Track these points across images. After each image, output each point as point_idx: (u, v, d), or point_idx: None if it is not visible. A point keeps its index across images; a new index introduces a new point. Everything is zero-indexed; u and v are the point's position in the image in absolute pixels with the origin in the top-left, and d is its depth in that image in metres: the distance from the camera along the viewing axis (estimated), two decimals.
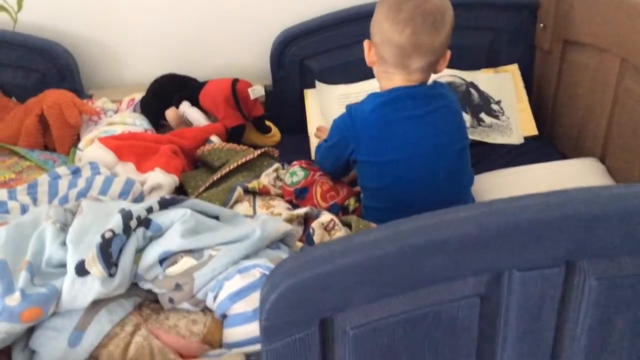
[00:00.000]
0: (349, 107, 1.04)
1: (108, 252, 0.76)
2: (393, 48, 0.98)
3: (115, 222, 0.78)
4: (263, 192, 1.14)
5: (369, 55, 1.04)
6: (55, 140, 1.34)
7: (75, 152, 1.31)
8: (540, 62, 1.49)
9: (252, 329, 0.75)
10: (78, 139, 1.35)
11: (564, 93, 1.41)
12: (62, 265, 0.77)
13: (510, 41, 1.49)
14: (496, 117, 1.43)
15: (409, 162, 0.98)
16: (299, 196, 1.08)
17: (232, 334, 0.77)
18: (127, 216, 0.79)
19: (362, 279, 0.66)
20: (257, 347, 0.72)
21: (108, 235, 0.76)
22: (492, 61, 1.51)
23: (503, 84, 1.48)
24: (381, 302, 0.68)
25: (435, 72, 1.04)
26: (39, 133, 1.34)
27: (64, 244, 0.78)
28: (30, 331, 0.78)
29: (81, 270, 0.74)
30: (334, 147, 1.07)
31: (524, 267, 0.67)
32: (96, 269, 0.74)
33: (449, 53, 1.02)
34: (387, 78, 1.02)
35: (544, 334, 0.71)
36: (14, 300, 0.72)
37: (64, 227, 0.81)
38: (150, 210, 0.83)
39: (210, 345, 0.79)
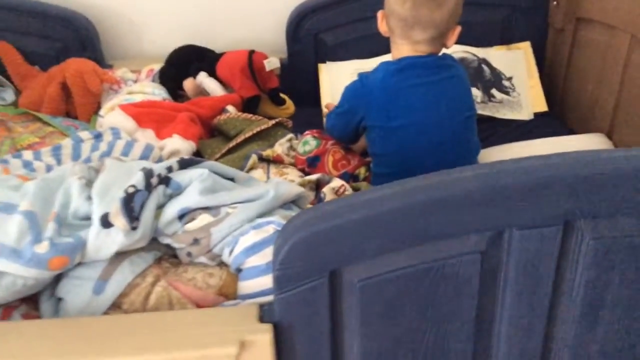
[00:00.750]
0: (361, 75, 1.07)
1: (130, 206, 0.80)
2: (396, 19, 1.02)
3: (138, 179, 0.82)
4: (277, 161, 1.18)
5: (382, 25, 1.07)
6: (77, 108, 1.39)
7: (97, 119, 1.36)
8: (552, 39, 1.51)
9: (265, 282, 0.79)
10: (98, 107, 1.40)
11: (575, 70, 1.43)
12: (87, 218, 0.82)
13: (524, 18, 1.51)
14: (507, 93, 1.45)
15: (417, 128, 1.02)
16: (311, 164, 1.12)
17: (247, 286, 0.81)
18: (148, 173, 0.83)
19: (369, 234, 0.70)
20: (269, 298, 0.76)
21: (131, 190, 0.81)
22: (505, 38, 1.53)
23: (515, 61, 1.50)
24: (387, 256, 0.72)
25: (445, 46, 1.06)
26: (61, 100, 1.39)
27: (89, 198, 0.82)
28: (56, 281, 0.83)
29: (105, 222, 0.79)
30: (345, 114, 1.10)
31: (523, 226, 0.70)
32: (119, 221, 0.79)
33: (458, 28, 1.05)
34: (397, 48, 1.06)
35: (541, 291, 0.74)
36: (42, 248, 0.76)
37: (89, 183, 0.86)
38: (170, 169, 0.87)
39: (225, 297, 0.83)
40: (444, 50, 1.08)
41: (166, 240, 0.85)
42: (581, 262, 0.73)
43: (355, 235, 0.70)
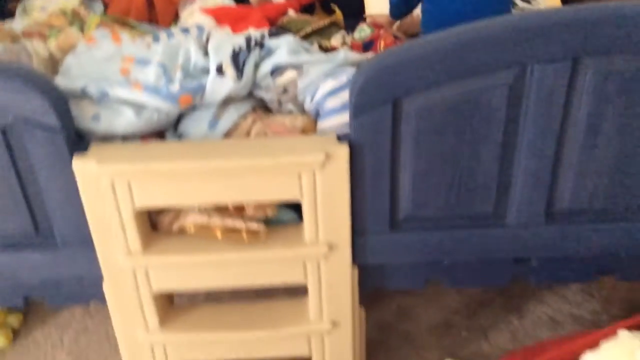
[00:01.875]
0: None
1: (237, 61, 1.04)
2: None
3: (241, 41, 1.06)
4: (333, 49, 1.41)
5: None
6: (159, 16, 1.61)
7: (177, 25, 1.59)
8: None
9: (340, 120, 1.03)
10: (176, 16, 1.63)
11: None
12: (204, 70, 1.06)
13: None
14: (528, 2, 1.66)
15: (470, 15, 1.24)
16: (366, 48, 1.35)
17: (325, 124, 1.05)
18: (248, 38, 1.07)
19: (422, 68, 0.93)
20: (344, 131, 1.00)
21: (237, 49, 1.05)
22: None
23: None
24: (436, 89, 0.95)
25: None
26: (145, 10, 1.62)
27: (204, 54, 1.07)
28: (178, 122, 1.08)
29: (220, 70, 1.03)
30: None
31: (541, 61, 0.93)
32: (230, 71, 1.03)
33: None
34: None
35: (553, 119, 0.97)
36: (174, 87, 1.01)
37: (200, 47, 1.10)
38: (263, 37, 1.11)
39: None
40: None
41: (261, 93, 1.10)
42: (584, 94, 0.96)
43: (412, 69, 0.94)
